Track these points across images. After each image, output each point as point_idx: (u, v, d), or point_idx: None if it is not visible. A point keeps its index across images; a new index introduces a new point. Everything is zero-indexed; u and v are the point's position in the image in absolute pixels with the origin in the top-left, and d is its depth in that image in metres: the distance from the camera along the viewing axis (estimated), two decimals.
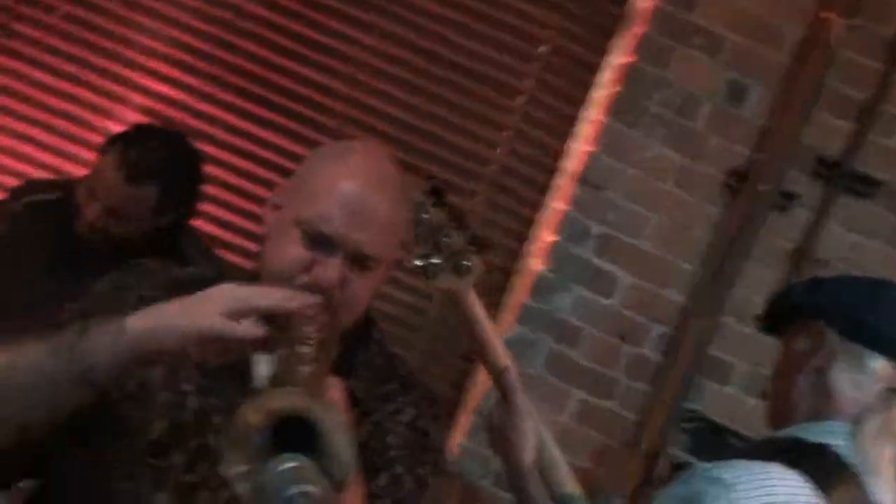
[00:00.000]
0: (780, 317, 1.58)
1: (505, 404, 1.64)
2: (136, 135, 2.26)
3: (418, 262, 1.60)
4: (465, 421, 3.04)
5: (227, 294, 1.13)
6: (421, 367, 3.01)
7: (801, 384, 1.49)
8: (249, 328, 1.11)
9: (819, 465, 1.39)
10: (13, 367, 1.12)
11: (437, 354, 3.09)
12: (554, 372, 3.01)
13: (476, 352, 1.71)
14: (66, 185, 2.36)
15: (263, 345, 1.12)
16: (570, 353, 3.01)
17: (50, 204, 2.30)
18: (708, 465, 1.38)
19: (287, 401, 0.99)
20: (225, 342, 1.11)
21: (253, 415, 0.99)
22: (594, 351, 3.01)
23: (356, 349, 1.33)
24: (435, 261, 1.60)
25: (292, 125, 3.13)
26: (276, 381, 1.05)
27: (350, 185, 1.25)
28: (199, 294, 1.15)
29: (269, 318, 1.13)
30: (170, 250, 2.25)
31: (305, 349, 1.09)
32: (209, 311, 1.11)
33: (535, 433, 1.62)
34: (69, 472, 1.23)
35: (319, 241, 1.24)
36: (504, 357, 1.71)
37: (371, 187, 1.26)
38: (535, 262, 3.01)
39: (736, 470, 1.37)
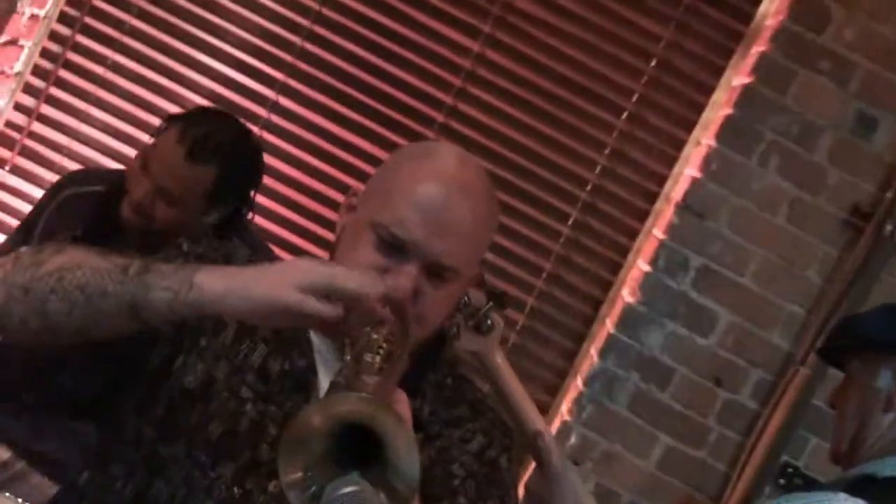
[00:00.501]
0: (848, 349, 1.54)
1: (540, 469, 1.57)
2: (200, 114, 2.19)
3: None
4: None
5: (306, 268, 1.08)
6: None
7: (881, 421, 1.48)
8: (327, 306, 1.05)
9: (890, 495, 1.37)
10: (78, 266, 1.10)
11: None
12: (639, 413, 2.87)
13: (506, 415, 1.64)
14: (112, 179, 2.28)
15: (335, 329, 1.08)
16: (659, 394, 2.87)
17: (90, 196, 2.23)
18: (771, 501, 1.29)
19: (354, 406, 0.96)
20: (296, 317, 1.06)
21: (315, 417, 0.96)
22: (685, 393, 2.87)
23: (424, 368, 1.28)
24: (454, 320, 1.58)
25: (382, 130, 3.00)
26: (340, 387, 1.02)
27: (432, 188, 1.20)
28: (277, 263, 1.10)
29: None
30: None
31: (372, 358, 1.05)
32: (286, 281, 1.06)
33: (573, 498, 1.55)
34: (122, 464, 1.20)
35: (394, 248, 1.19)
36: (537, 419, 1.70)
37: (455, 193, 1.20)
38: (627, 293, 2.87)
39: (797, 500, 1.36)
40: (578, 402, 2.84)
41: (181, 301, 1.08)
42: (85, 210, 2.20)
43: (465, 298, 1.61)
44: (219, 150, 2.09)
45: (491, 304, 1.66)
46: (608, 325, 2.87)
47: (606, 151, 2.99)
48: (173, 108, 2.87)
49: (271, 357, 1.23)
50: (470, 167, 1.24)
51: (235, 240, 1.39)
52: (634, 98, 2.96)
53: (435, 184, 1.20)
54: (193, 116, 2.16)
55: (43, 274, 1.12)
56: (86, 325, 1.10)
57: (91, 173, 2.45)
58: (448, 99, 2.95)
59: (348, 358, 1.07)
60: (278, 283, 1.06)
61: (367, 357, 1.05)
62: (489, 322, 1.66)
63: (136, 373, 1.23)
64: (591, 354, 2.88)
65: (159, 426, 1.21)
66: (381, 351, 1.06)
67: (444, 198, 1.20)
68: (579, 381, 2.87)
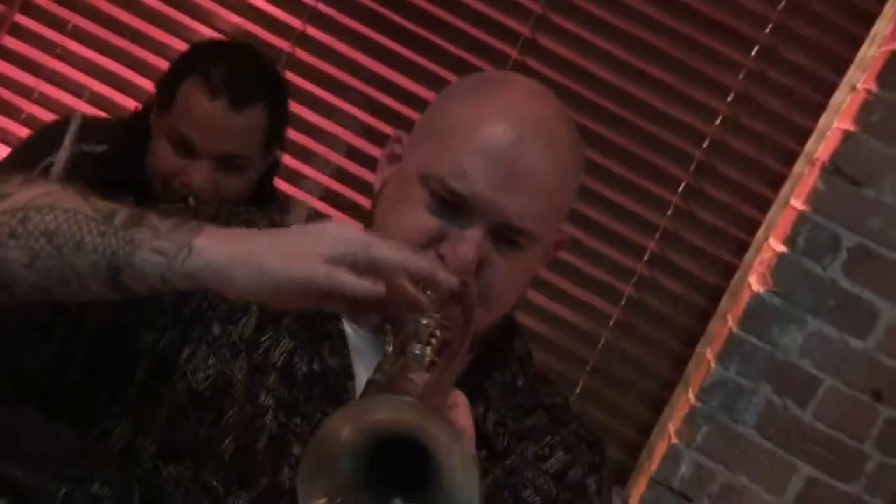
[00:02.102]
0: None
1: None
2: (203, 55, 1.98)
3: None
4: (641, 489, 2.70)
5: (337, 233, 0.99)
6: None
7: None
8: (364, 281, 0.96)
9: None
10: (49, 206, 1.03)
11: (602, 397, 2.77)
12: (771, 435, 2.62)
13: None
14: (115, 131, 2.11)
15: (374, 313, 0.99)
16: (798, 411, 2.61)
17: (96, 159, 2.06)
18: None
19: (396, 413, 0.89)
20: (323, 296, 0.97)
21: (345, 427, 0.89)
22: (833, 410, 2.61)
23: (491, 365, 1.20)
24: None
25: (439, 70, 2.73)
26: (378, 387, 0.94)
27: (500, 129, 1.12)
28: (298, 228, 1.01)
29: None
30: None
31: (422, 349, 0.97)
32: (312, 250, 0.97)
33: None
34: (108, 485, 1.13)
35: (453, 206, 1.11)
36: None
37: (530, 134, 1.12)
38: (755, 281, 2.62)
39: None
40: (691, 421, 2.62)
41: (175, 270, 0.99)
42: (91, 176, 2.01)
43: None
44: (256, 82, 1.95)
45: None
46: (730, 321, 2.62)
47: (729, 98, 2.73)
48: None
49: (297, 354, 1.15)
50: (548, 103, 1.17)
51: (252, 209, 1.30)
52: (768, 28, 2.71)
53: (504, 123, 1.13)
54: (199, 60, 1.96)
55: (3, 210, 1.04)
56: (49, 281, 1.03)
57: (89, 126, 2.19)
58: (524, 29, 2.72)
59: (390, 349, 0.99)
60: (301, 251, 0.98)
61: (416, 349, 0.98)
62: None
63: (123, 359, 1.15)
64: (708, 359, 2.65)
65: (160, 438, 1.13)
66: (434, 341, 0.99)
67: (516, 141, 1.13)
68: (692, 395, 2.66)
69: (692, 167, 2.75)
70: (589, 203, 2.69)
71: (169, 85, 1.94)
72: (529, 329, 2.66)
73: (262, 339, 1.16)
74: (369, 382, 0.97)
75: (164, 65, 2.19)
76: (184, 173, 1.91)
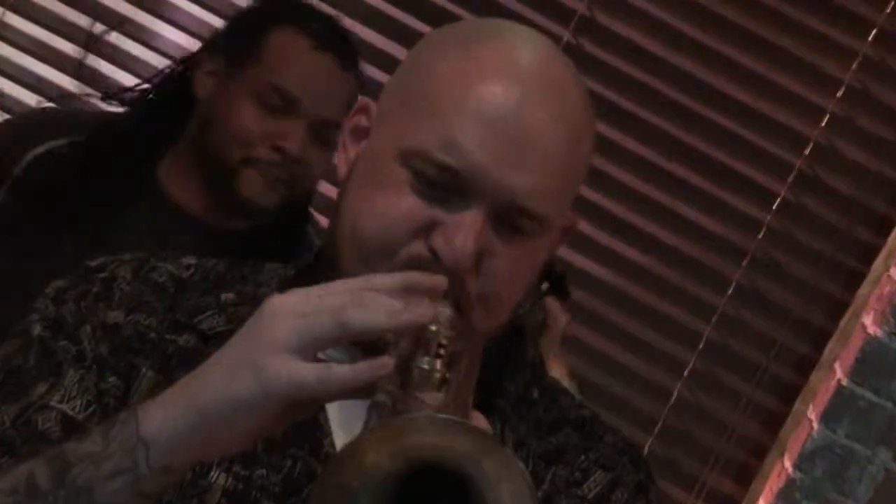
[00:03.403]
0: None
1: None
2: (298, 5, 1.94)
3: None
4: None
5: (290, 313, 0.92)
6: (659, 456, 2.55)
7: None
8: (344, 367, 0.90)
9: None
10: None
11: (673, 464, 2.56)
12: None
13: None
14: (81, 120, 1.99)
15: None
16: None
17: (61, 157, 1.92)
18: None
19: (428, 434, 0.84)
20: (307, 404, 0.93)
21: (374, 452, 0.84)
22: None
23: (498, 376, 1.15)
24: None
25: None
26: (384, 412, 0.88)
27: (500, 88, 1.05)
28: (240, 334, 0.94)
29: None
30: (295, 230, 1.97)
31: (432, 363, 0.92)
32: (269, 357, 0.90)
33: None
34: None
35: (443, 186, 1.04)
36: None
37: (538, 95, 1.05)
38: (871, 321, 2.44)
39: None
40: (788, 496, 2.42)
41: (147, 478, 0.93)
42: (62, 178, 1.90)
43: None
44: (353, 45, 1.90)
45: (546, 287, 1.54)
46: (838, 371, 2.44)
47: (839, 93, 2.51)
48: None
49: None
50: (554, 54, 1.10)
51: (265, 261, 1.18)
52: (889, 8, 2.50)
53: (504, 80, 1.05)
54: (288, 12, 1.90)
55: None
56: None
57: (45, 120, 2.08)
58: (580, 5, 2.54)
59: (391, 368, 0.94)
60: (258, 367, 0.90)
61: (423, 362, 0.92)
62: (540, 317, 1.57)
63: None
64: (810, 418, 2.46)
65: None
66: (443, 351, 0.93)
67: (520, 101, 1.05)
68: (789, 463, 2.45)
69: (790, 178, 2.53)
70: (659, 222, 2.49)
71: (250, 36, 1.84)
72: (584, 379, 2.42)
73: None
74: (372, 406, 0.92)
75: None
76: (277, 137, 1.81)
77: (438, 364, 0.92)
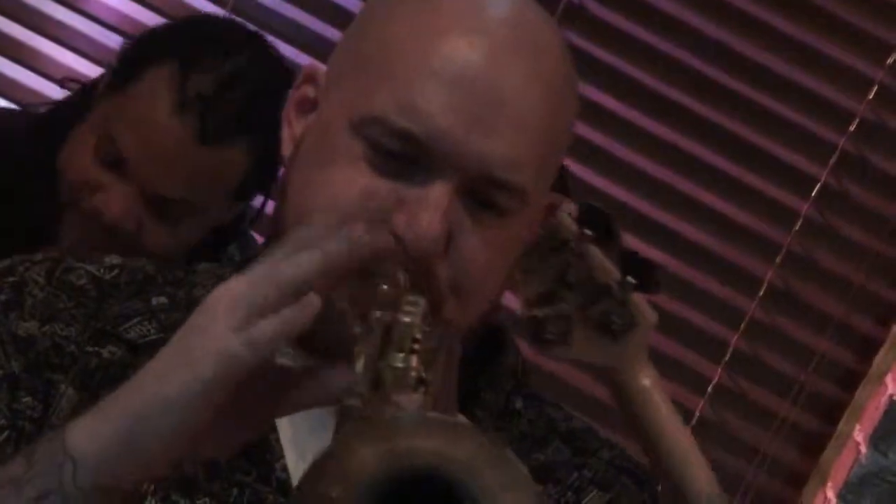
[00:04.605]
0: None
1: None
2: (208, 35, 1.74)
3: (536, 312, 1.37)
4: None
5: (228, 294, 0.88)
6: None
7: None
8: (289, 312, 0.86)
9: None
10: None
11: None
12: None
13: (654, 468, 1.49)
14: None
15: (332, 338, 0.90)
16: None
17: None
18: None
19: (422, 437, 0.82)
20: (268, 378, 0.87)
21: (358, 456, 0.81)
22: None
23: (478, 385, 1.12)
24: (560, 312, 1.38)
25: None
26: (354, 416, 0.85)
27: (465, 42, 1.00)
28: (183, 328, 0.90)
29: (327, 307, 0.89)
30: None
31: (406, 360, 0.88)
32: (216, 335, 0.87)
33: None
34: None
35: (404, 157, 0.99)
36: (708, 481, 1.53)
37: (510, 50, 1.01)
38: None
39: None
40: None
41: (75, 497, 0.88)
42: None
43: (585, 269, 1.40)
44: (250, 105, 1.67)
45: (629, 280, 1.40)
46: (889, 384, 2.35)
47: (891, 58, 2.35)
48: None
49: None
50: (529, 6, 1.05)
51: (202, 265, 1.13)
52: None
53: (470, 34, 1.01)
54: (188, 43, 1.72)
55: None
56: None
57: None
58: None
59: (359, 367, 0.88)
60: (201, 346, 0.88)
61: (396, 360, 0.87)
62: (628, 314, 1.40)
63: None
64: (856, 441, 2.36)
65: None
66: (418, 346, 0.88)
67: (490, 57, 1.00)
68: (832, 492, 2.37)
69: (832, 160, 2.32)
70: (680, 215, 2.32)
71: (129, 65, 1.70)
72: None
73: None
74: (343, 411, 0.87)
75: None
76: (99, 191, 1.68)
77: (414, 361, 0.88)
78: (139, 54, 1.71)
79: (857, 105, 2.38)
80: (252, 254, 1.65)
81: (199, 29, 1.80)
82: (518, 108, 1.00)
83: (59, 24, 2.30)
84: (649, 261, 1.62)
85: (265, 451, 1.01)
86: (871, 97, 2.39)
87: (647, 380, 1.55)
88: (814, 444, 2.40)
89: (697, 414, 2.38)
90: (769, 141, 2.40)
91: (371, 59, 1.02)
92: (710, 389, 2.38)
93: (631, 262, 1.51)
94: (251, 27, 1.87)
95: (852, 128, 2.36)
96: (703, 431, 2.32)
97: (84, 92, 1.81)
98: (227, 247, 1.82)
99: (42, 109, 1.92)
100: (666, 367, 2.31)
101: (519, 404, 1.15)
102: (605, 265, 1.49)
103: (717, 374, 2.37)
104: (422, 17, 1.02)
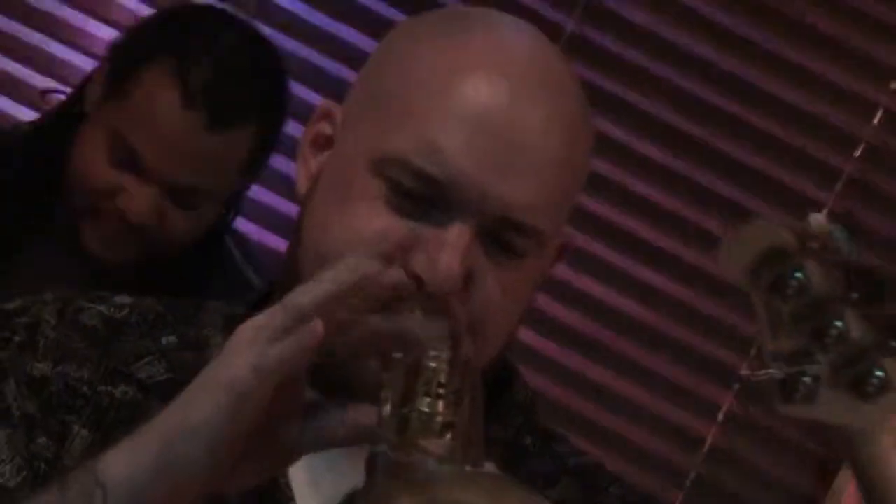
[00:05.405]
0: None
1: None
2: (195, 26, 1.76)
3: (785, 370, 1.02)
4: None
5: (250, 329, 0.90)
6: None
7: None
8: (292, 340, 0.87)
9: None
10: None
11: None
12: None
13: None
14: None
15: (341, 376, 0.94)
16: None
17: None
18: None
19: (466, 492, 0.81)
20: (287, 399, 0.89)
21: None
22: None
23: (488, 421, 1.05)
24: (813, 372, 1.03)
25: None
26: (386, 465, 0.85)
27: (486, 84, 1.01)
28: (214, 360, 0.92)
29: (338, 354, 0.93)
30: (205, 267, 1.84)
31: (433, 405, 0.88)
32: (226, 370, 0.90)
33: None
34: None
35: (423, 199, 1.00)
36: None
37: (531, 92, 1.02)
38: None
39: None
40: None
41: None
42: None
43: (835, 325, 1.09)
44: (250, 89, 1.73)
45: (893, 345, 1.08)
46: None
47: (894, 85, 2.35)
48: None
49: None
50: (549, 48, 1.07)
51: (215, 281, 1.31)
52: None
53: (491, 75, 1.01)
54: (177, 38, 1.75)
55: None
56: None
57: None
58: None
59: (387, 412, 0.88)
60: (221, 380, 0.89)
61: (423, 405, 0.87)
62: (886, 378, 1.06)
63: None
64: None
65: None
66: (444, 391, 0.89)
67: (511, 99, 1.01)
68: None
69: (861, 147, 2.30)
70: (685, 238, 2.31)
71: (124, 66, 1.72)
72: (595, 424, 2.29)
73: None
74: (372, 457, 0.86)
75: None
76: (120, 194, 1.70)
77: (440, 406, 0.89)
78: (130, 56, 1.73)
79: (863, 130, 2.35)
80: (265, 290, 1.74)
81: (182, 20, 1.81)
82: (538, 151, 1.01)
83: (79, 31, 2.31)
84: None
85: (274, 492, 1.01)
86: (876, 122, 2.36)
87: (891, 445, 1.60)
88: (827, 471, 2.32)
89: (709, 441, 2.35)
90: (776, 167, 2.37)
91: (391, 96, 1.03)
92: (720, 416, 2.35)
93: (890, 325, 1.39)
94: (221, 7, 1.93)
95: (858, 153, 2.35)
96: (716, 459, 2.32)
97: (74, 100, 1.82)
98: (222, 240, 1.88)
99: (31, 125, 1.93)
100: (674, 392, 2.36)
101: (528, 441, 1.15)
102: (864, 328, 1.29)
103: (727, 401, 2.33)
104: (443, 56, 1.03)
